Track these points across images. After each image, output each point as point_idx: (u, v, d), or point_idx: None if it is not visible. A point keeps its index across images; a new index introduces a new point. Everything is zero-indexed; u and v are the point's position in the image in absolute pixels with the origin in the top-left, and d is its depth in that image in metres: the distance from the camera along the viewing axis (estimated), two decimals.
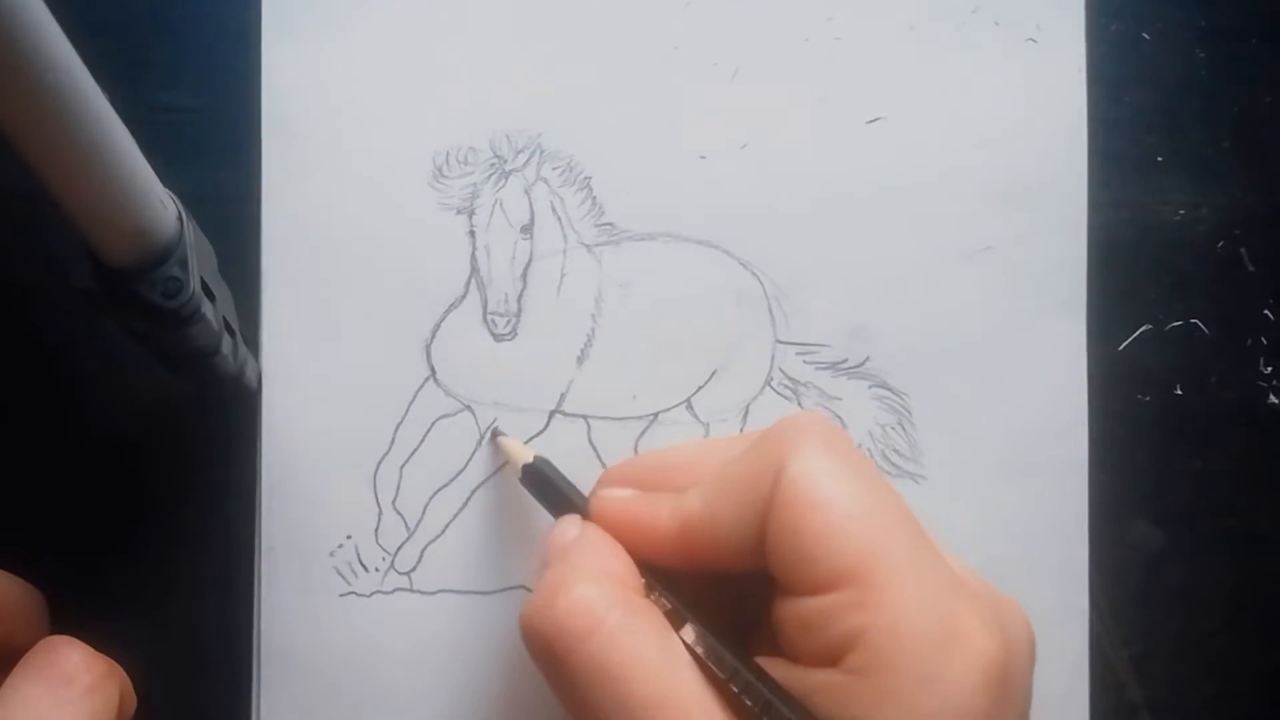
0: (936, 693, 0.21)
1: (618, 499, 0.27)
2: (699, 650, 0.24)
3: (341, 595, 0.32)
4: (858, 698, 0.22)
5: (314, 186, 0.32)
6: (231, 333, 0.28)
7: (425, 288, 0.32)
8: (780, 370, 0.33)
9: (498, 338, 0.32)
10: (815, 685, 0.23)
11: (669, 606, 0.25)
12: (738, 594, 0.26)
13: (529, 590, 0.32)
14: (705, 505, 0.26)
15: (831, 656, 0.23)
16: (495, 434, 0.32)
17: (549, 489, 0.29)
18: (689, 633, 0.24)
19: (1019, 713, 0.23)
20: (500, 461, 0.32)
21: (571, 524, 0.27)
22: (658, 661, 0.23)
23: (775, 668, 0.24)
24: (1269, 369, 0.35)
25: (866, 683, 0.22)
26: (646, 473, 0.28)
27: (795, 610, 0.24)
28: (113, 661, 0.26)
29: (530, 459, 0.30)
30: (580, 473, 0.32)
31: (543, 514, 0.32)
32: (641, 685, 0.23)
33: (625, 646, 0.23)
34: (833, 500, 0.24)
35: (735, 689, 0.23)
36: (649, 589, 0.26)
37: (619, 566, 0.26)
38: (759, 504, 0.24)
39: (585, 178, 0.32)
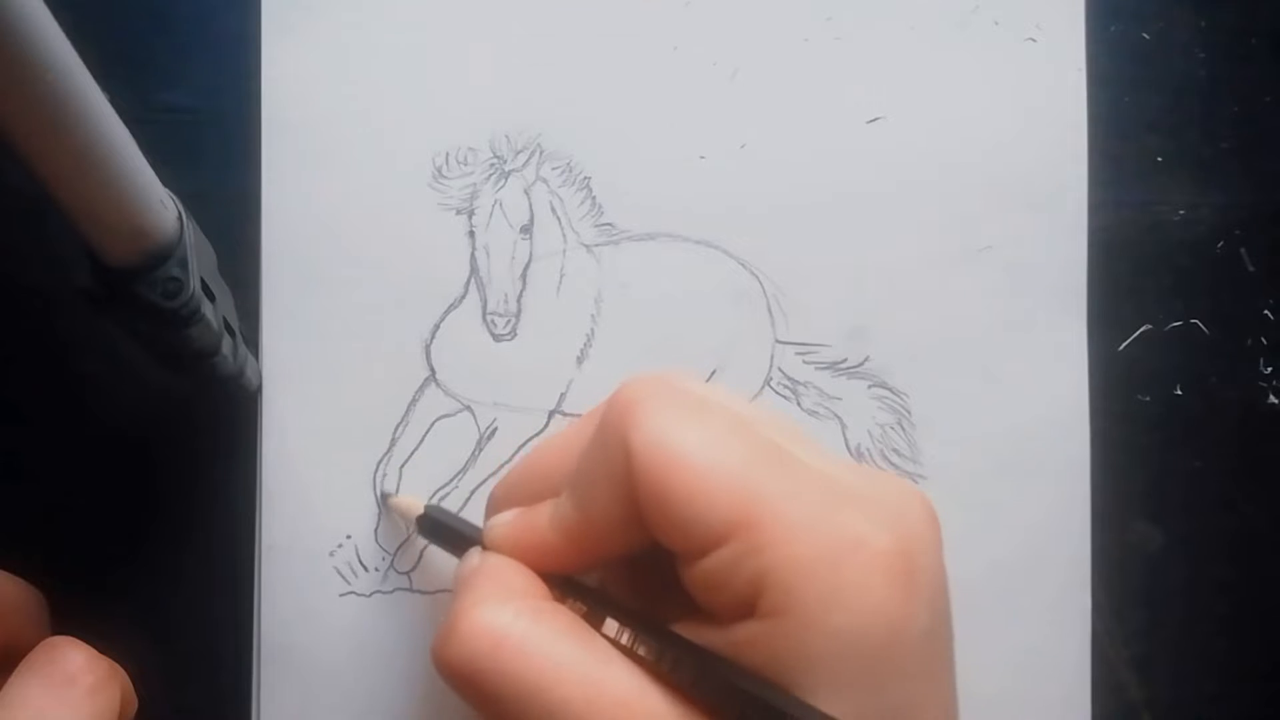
0: (843, 605, 0.21)
1: (501, 524, 0.27)
2: (622, 640, 0.23)
3: (341, 595, 0.32)
4: (777, 639, 0.22)
5: (314, 186, 0.32)
6: (231, 333, 0.28)
7: (425, 288, 0.32)
8: (780, 370, 0.33)
9: (498, 338, 0.32)
10: (738, 639, 0.22)
11: (584, 609, 0.25)
12: (651, 569, 0.26)
13: None
14: (576, 506, 0.25)
15: (743, 608, 0.22)
16: (384, 496, 0.32)
17: (445, 533, 0.29)
18: (609, 626, 0.24)
19: (931, 596, 0.22)
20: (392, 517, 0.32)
21: (472, 555, 0.27)
22: (579, 660, 0.22)
23: (698, 633, 0.23)
24: (1269, 369, 0.35)
25: (781, 622, 0.21)
26: (524, 484, 0.28)
27: (695, 574, 0.23)
28: (113, 662, 0.26)
29: (420, 510, 0.29)
30: None
31: None
32: (566, 688, 0.22)
33: (538, 653, 0.22)
34: (687, 458, 0.23)
35: (665, 668, 0.23)
36: (559, 597, 0.25)
37: (520, 582, 0.25)
38: (620, 487, 0.24)
39: (585, 178, 0.32)
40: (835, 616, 0.21)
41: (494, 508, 0.28)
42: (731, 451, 0.23)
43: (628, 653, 0.23)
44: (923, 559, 0.23)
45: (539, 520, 0.26)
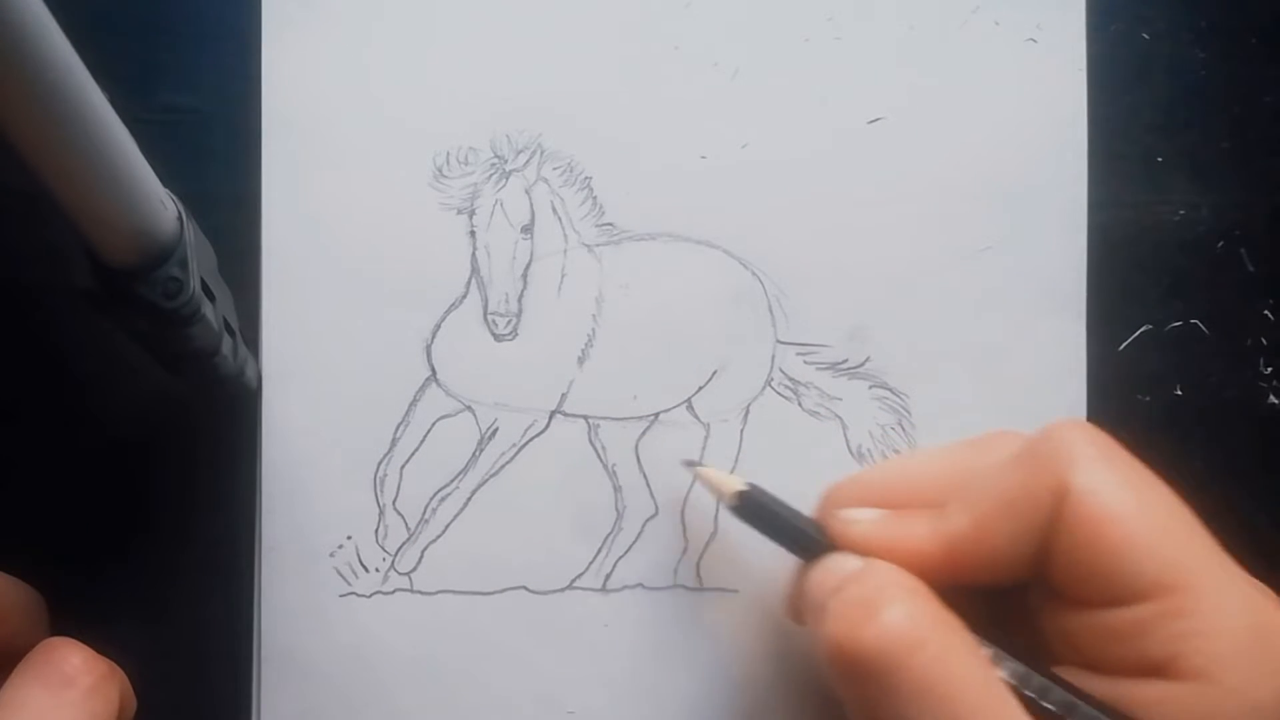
0: (1269, 686, 0.22)
1: (868, 521, 0.27)
2: (1012, 680, 0.24)
3: (342, 596, 0.32)
4: (1192, 702, 0.22)
5: (314, 186, 0.32)
6: (231, 333, 0.28)
7: (425, 288, 0.32)
8: (780, 370, 0.33)
9: (498, 338, 0.32)
10: (1140, 695, 0.23)
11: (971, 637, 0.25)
12: (988, 603, 0.26)
13: (530, 590, 0.32)
14: (974, 522, 0.25)
15: (1152, 665, 0.23)
16: (690, 464, 0.31)
17: (770, 519, 0.28)
18: (997, 659, 0.24)
19: None
20: (701, 486, 0.31)
21: (847, 559, 0.26)
22: (983, 684, 0.23)
23: (1085, 682, 0.24)
24: (1269, 369, 0.35)
25: (1199, 687, 0.22)
26: (877, 490, 0.28)
27: (1099, 623, 0.24)
28: (112, 663, 0.26)
29: (741, 487, 0.29)
30: (584, 472, 0.32)
31: (545, 517, 0.32)
32: (971, 706, 0.22)
33: (953, 664, 0.23)
34: (1128, 513, 0.24)
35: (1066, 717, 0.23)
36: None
37: (923, 588, 0.25)
38: (1038, 520, 0.24)
39: (585, 178, 0.32)
40: (1259, 693, 0.22)
41: (838, 502, 0.28)
42: (1172, 517, 0.24)
43: (1016, 694, 0.23)
44: None
45: (915, 527, 0.26)
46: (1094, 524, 0.24)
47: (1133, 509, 0.24)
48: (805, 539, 0.28)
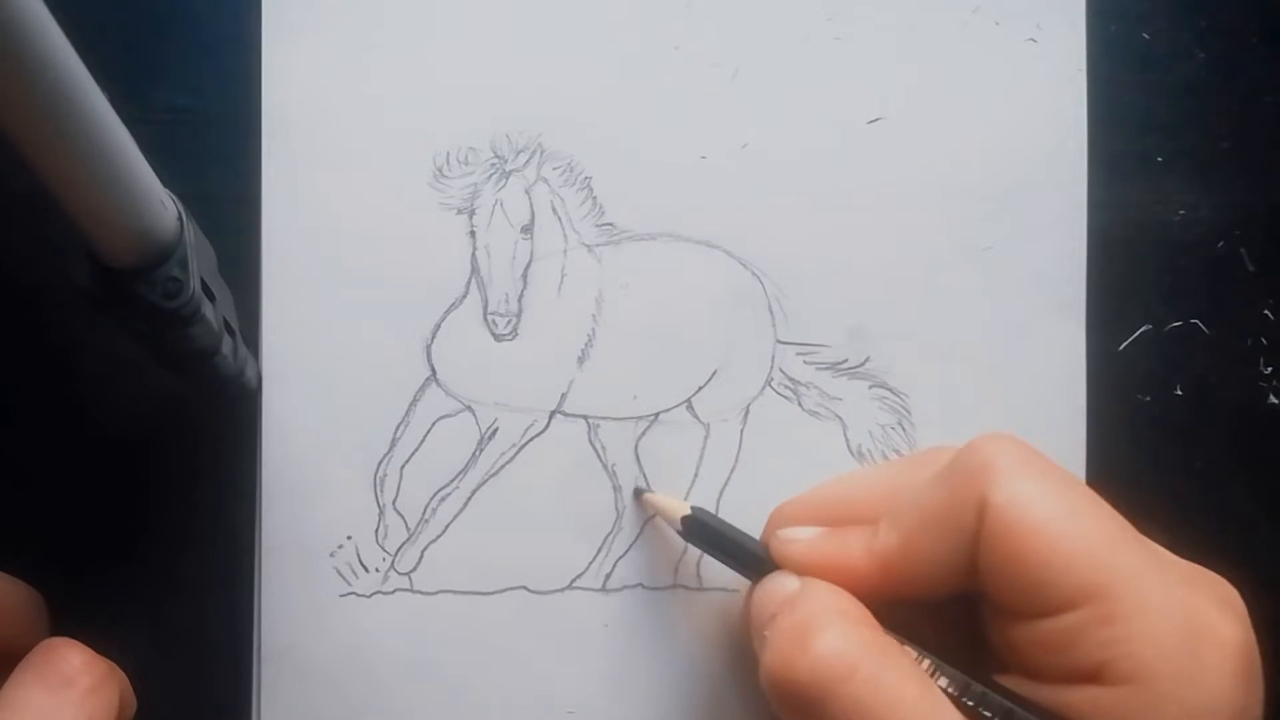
0: (1200, 687, 0.22)
1: (806, 540, 0.27)
2: (954, 692, 0.24)
3: (342, 596, 0.32)
4: (1124, 707, 0.22)
5: (314, 186, 0.32)
6: (231, 333, 0.28)
7: (425, 288, 0.32)
8: (780, 370, 0.33)
9: (498, 338, 0.32)
10: (1075, 702, 0.23)
11: (911, 650, 0.25)
12: (933, 618, 0.26)
13: (530, 590, 0.32)
14: (902, 540, 0.26)
15: (1084, 672, 0.23)
16: (638, 491, 0.32)
17: (717, 539, 0.29)
18: (936, 669, 0.24)
19: (1261, 695, 0.23)
20: (648, 515, 0.32)
21: (786, 579, 0.27)
22: (920, 703, 0.23)
23: (1028, 689, 0.24)
24: (1269, 369, 0.35)
25: (1130, 691, 0.22)
26: (819, 509, 0.28)
27: (1030, 633, 0.24)
28: (112, 663, 0.26)
29: (687, 511, 0.30)
30: (584, 472, 0.32)
31: (545, 517, 0.32)
32: None
33: (886, 689, 0.23)
34: (1049, 523, 0.24)
35: None
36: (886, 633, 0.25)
37: (856, 610, 0.25)
38: (963, 535, 0.24)
39: (586, 178, 0.32)
40: (1191, 695, 0.22)
41: (781, 522, 0.29)
42: (1094, 523, 0.24)
43: (958, 703, 0.23)
44: (1257, 656, 0.23)
45: (850, 544, 0.26)
46: (1014, 537, 0.24)
47: (1053, 519, 0.24)
48: (750, 559, 0.28)
